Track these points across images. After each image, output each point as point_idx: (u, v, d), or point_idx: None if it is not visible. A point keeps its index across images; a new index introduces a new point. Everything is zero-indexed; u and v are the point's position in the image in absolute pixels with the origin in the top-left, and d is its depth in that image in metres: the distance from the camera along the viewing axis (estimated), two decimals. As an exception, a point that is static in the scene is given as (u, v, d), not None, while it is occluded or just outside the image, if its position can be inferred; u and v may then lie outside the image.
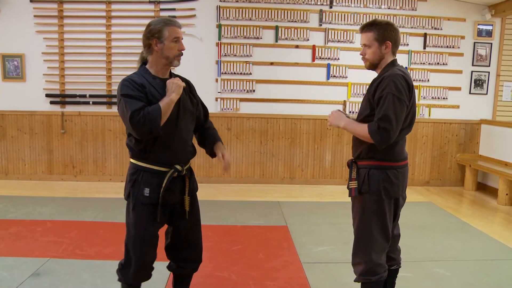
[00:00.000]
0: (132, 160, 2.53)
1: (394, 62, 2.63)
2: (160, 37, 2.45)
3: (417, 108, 6.78)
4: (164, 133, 2.40)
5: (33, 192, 6.05)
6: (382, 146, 2.46)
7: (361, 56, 2.71)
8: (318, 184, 6.88)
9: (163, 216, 2.51)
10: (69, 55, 6.50)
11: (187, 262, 2.74)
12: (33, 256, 3.76)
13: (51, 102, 6.57)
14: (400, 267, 2.92)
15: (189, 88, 2.74)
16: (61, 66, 6.50)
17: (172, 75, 2.65)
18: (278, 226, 4.76)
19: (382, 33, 2.58)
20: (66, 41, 6.47)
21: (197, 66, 6.56)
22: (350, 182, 2.66)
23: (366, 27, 2.62)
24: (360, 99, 6.71)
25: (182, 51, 2.54)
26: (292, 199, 5.93)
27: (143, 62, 2.59)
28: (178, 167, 2.51)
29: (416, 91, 6.75)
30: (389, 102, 2.41)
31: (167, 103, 2.39)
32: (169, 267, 2.82)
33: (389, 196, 2.56)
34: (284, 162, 6.83)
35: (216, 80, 6.60)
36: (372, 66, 2.69)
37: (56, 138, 6.69)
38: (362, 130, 2.50)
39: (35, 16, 6.44)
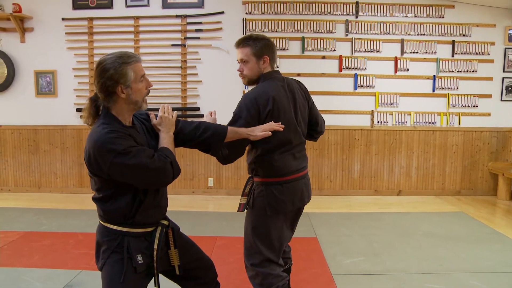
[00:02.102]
0: (106, 225, 2.16)
1: (265, 76, 2.58)
2: (125, 81, 2.01)
3: (447, 117, 6.68)
4: (151, 190, 2.15)
5: (64, 205, 6.16)
6: (223, 163, 2.54)
7: (239, 72, 2.64)
8: (346, 195, 6.81)
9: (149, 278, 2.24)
10: (99, 70, 6.63)
11: (206, 286, 2.49)
12: (66, 268, 3.82)
13: (81, 117, 6.68)
14: (291, 264, 3.04)
15: (150, 125, 2.30)
16: (91, 81, 6.64)
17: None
18: (307, 238, 4.72)
19: (260, 48, 2.53)
20: (96, 56, 6.61)
21: (224, 78, 6.61)
22: (241, 198, 2.68)
23: (243, 42, 2.56)
24: (388, 109, 6.66)
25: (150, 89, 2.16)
26: (321, 210, 5.88)
27: (106, 109, 2.10)
28: (164, 222, 2.26)
29: (445, 100, 6.65)
30: (231, 122, 2.48)
31: (170, 142, 2.17)
32: None
33: (275, 212, 2.54)
34: (312, 173, 6.78)
35: (244, 92, 6.63)
36: (251, 82, 2.64)
37: (87, 151, 6.81)
38: None
39: (66, 33, 6.62)
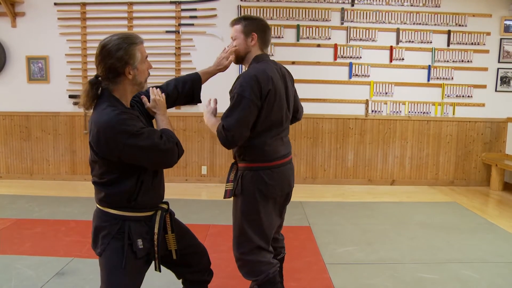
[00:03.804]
0: (106, 209, 2.12)
1: (258, 58, 2.56)
2: (133, 62, 2.03)
3: (441, 107, 6.68)
4: (150, 172, 2.15)
5: (57, 192, 6.13)
6: (228, 147, 2.43)
7: None
8: (340, 184, 6.81)
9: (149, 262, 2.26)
10: (92, 57, 6.54)
11: (200, 273, 2.56)
12: (58, 255, 3.80)
13: (74, 103, 6.64)
14: (285, 253, 2.99)
15: (142, 107, 2.31)
16: (83, 67, 6.57)
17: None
18: (301, 227, 4.72)
19: (249, 25, 2.54)
20: (89, 42, 6.54)
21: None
22: (226, 184, 2.62)
23: (235, 21, 2.59)
24: (383, 98, 6.64)
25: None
26: (314, 199, 5.88)
27: (105, 91, 2.08)
28: (163, 206, 2.27)
29: (440, 89, 6.64)
30: (235, 103, 2.35)
31: (169, 123, 2.20)
32: None
33: (265, 198, 2.51)
34: (306, 162, 6.78)
35: (237, 80, 6.57)
36: (238, 59, 2.64)
37: (79, 138, 6.77)
38: (215, 129, 2.45)
39: (59, 18, 6.53)
